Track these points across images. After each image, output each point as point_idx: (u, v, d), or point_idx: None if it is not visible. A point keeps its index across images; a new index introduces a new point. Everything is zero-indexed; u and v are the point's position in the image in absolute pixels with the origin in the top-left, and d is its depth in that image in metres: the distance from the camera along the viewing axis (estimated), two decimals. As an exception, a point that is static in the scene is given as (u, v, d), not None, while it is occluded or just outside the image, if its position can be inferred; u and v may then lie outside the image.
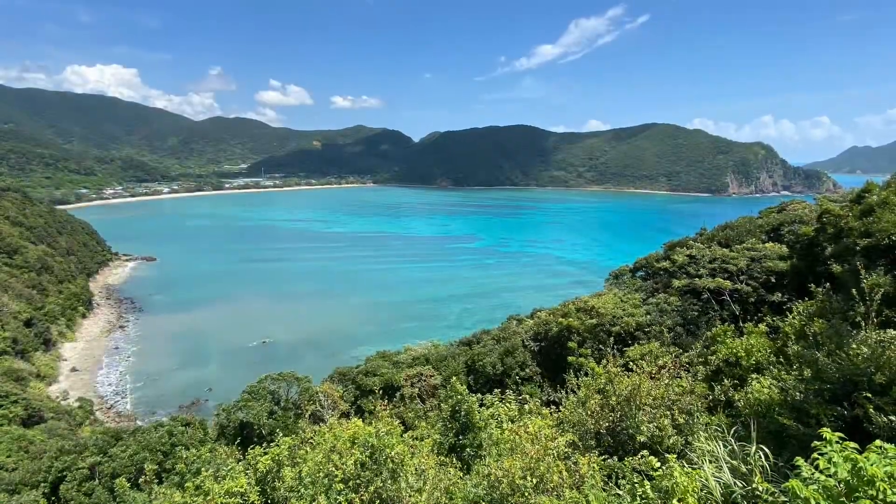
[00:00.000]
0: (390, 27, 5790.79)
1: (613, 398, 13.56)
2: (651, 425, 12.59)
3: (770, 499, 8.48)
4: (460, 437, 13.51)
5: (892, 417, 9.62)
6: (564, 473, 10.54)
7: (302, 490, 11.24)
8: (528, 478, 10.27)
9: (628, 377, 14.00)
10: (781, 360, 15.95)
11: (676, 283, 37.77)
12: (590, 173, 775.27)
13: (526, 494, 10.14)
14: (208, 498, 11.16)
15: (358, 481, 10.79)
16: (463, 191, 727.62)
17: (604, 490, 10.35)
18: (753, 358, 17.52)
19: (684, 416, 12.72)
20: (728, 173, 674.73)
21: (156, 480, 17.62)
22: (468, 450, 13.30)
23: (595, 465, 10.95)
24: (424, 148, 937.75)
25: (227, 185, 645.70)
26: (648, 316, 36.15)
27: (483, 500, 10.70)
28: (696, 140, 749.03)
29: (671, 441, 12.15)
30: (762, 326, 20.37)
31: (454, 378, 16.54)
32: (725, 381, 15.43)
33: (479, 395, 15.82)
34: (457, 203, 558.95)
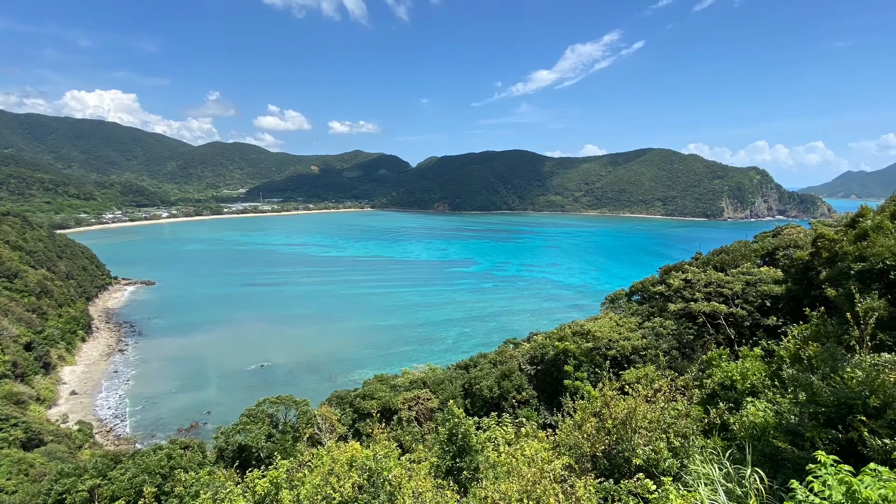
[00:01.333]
0: (388, 54, 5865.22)
1: (609, 421, 13.62)
2: (647, 448, 12.64)
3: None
4: (457, 460, 13.54)
5: (887, 441, 9.66)
6: (561, 496, 10.58)
7: (300, 513, 11.25)
8: (525, 501, 10.32)
9: (624, 400, 14.07)
10: (776, 383, 16.02)
11: (672, 306, 37.84)
12: (586, 198, 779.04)
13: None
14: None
15: (356, 504, 10.82)
16: (460, 215, 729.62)
17: (600, 513, 10.39)
18: (748, 381, 17.58)
19: (680, 439, 12.78)
20: (723, 198, 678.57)
21: (155, 503, 17.58)
22: (465, 473, 13.32)
23: (591, 488, 10.99)
24: (422, 173, 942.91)
25: (225, 210, 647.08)
26: (644, 340, 36.16)
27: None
28: (692, 165, 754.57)
29: (667, 464, 12.19)
30: (757, 350, 20.46)
31: (451, 401, 16.58)
32: (721, 404, 15.48)
33: (476, 418, 15.85)
34: (454, 227, 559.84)
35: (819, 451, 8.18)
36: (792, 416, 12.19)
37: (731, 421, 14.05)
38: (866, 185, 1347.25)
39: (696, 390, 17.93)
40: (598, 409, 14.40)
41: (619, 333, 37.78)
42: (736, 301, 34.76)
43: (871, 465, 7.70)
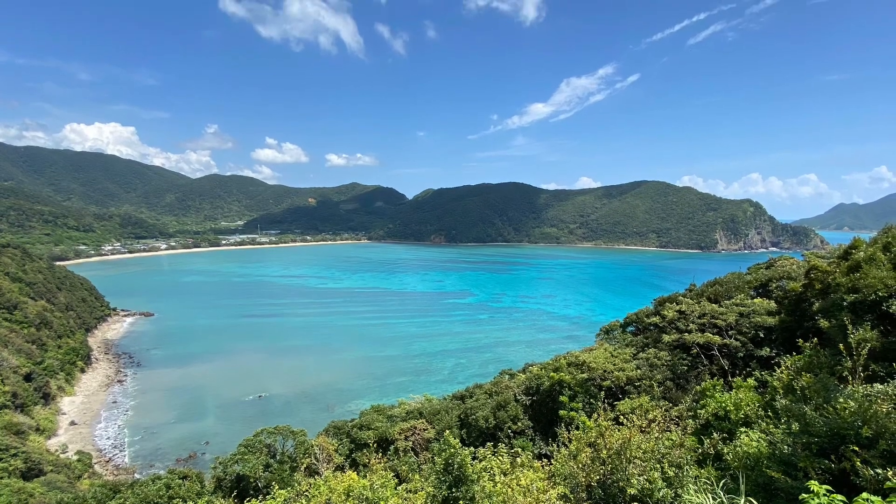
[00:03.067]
0: (385, 87, 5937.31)
1: (604, 451, 13.73)
2: (641, 478, 12.74)
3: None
4: (453, 490, 13.58)
5: (879, 471, 9.77)
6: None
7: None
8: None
9: (619, 431, 14.19)
10: (770, 413, 16.13)
11: (666, 337, 37.95)
12: (581, 230, 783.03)
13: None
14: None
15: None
16: (456, 247, 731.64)
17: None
18: (742, 412, 17.70)
19: (674, 468, 12.87)
20: (717, 230, 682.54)
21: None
22: (461, 502, 13.37)
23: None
24: (418, 205, 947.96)
25: (223, 242, 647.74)
26: (639, 370, 36.18)
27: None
28: (686, 197, 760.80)
29: (661, 494, 12.28)
30: (751, 381, 20.57)
31: (447, 431, 16.69)
32: (714, 434, 15.59)
33: (472, 448, 15.93)
34: (450, 259, 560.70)
35: (812, 481, 8.35)
36: (785, 446, 12.30)
37: (725, 451, 14.15)
38: (859, 217, 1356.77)
39: (691, 420, 18.03)
40: (593, 440, 14.50)
41: (614, 364, 37.84)
42: (729, 332, 34.95)
43: (864, 494, 7.86)
